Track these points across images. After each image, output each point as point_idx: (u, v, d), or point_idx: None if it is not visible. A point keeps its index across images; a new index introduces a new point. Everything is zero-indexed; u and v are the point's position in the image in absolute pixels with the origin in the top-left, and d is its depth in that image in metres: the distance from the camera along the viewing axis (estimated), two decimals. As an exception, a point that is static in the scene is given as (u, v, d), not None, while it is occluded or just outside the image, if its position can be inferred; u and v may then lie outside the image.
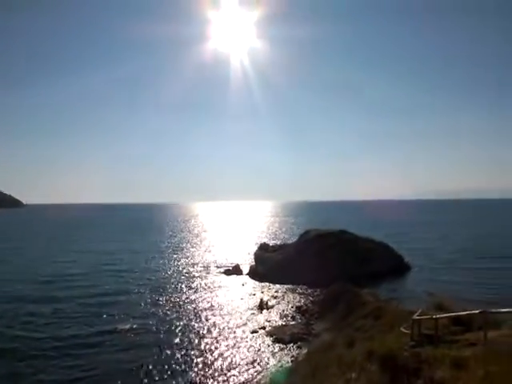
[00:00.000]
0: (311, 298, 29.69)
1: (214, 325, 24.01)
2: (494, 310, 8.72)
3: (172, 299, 30.11)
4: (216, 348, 20.15)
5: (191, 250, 60.52)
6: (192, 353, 19.36)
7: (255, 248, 48.64)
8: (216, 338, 21.74)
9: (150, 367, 17.53)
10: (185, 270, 42.35)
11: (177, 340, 21.28)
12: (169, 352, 19.45)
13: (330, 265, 33.34)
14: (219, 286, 35.03)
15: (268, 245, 48.67)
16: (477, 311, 9.35)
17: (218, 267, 44.68)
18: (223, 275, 40.60)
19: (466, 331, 11.68)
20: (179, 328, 23.32)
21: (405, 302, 23.97)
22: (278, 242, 56.52)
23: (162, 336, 21.97)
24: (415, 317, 11.86)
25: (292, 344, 20.32)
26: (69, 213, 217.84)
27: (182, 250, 60.29)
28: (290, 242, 50.20)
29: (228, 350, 19.93)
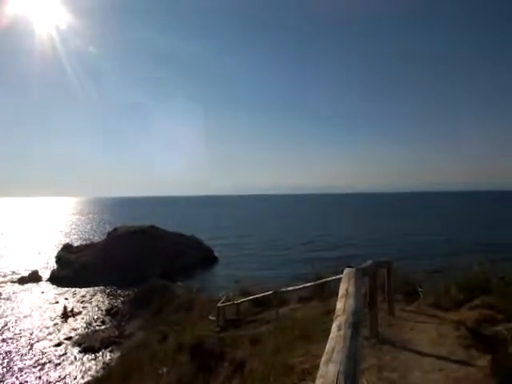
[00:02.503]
0: (122, 299, 28.68)
1: (7, 346, 20.25)
2: (283, 290, 10.19)
3: None
4: (11, 374, 17.08)
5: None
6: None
7: (57, 250, 43.91)
8: (9, 363, 18.31)
9: None
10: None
11: None
12: None
13: (141, 262, 32.84)
14: (10, 299, 29.80)
15: (72, 245, 44.68)
16: (270, 292, 10.73)
17: (8, 276, 38.06)
18: (17, 284, 34.77)
19: (264, 310, 13.27)
20: None
21: (215, 291, 25.46)
22: (84, 242, 52.16)
23: None
24: (219, 304, 12.83)
25: (103, 350, 19.28)
26: None
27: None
28: (97, 240, 47.09)
29: (25, 373, 17.18)
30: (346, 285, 2.34)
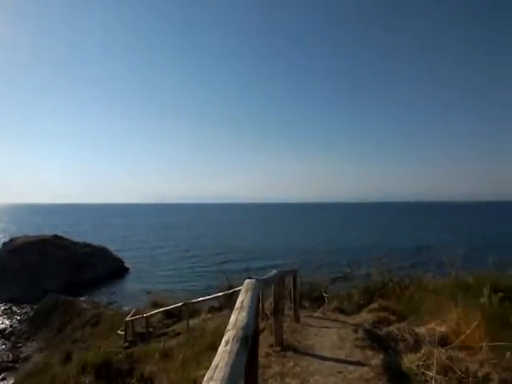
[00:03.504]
0: (19, 317, 25.89)
1: None
2: (193, 300, 10.05)
3: None
4: None
5: None
6: None
7: None
8: None
9: None
10: None
11: None
12: None
13: (41, 276, 30.13)
14: None
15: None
16: (181, 303, 10.51)
17: None
18: None
19: (175, 322, 12.95)
20: None
21: (125, 304, 24.27)
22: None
23: None
24: (128, 318, 12.24)
25: (-6, 378, 17.19)
26: None
27: None
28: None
29: None
30: (242, 297, 2.33)
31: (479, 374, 3.58)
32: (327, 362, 4.52)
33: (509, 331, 4.67)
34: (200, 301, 9.85)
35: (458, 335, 4.59)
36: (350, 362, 4.46)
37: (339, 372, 4.19)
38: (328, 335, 5.65)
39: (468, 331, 4.52)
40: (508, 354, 3.98)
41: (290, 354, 4.80)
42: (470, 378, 3.56)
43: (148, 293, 24.47)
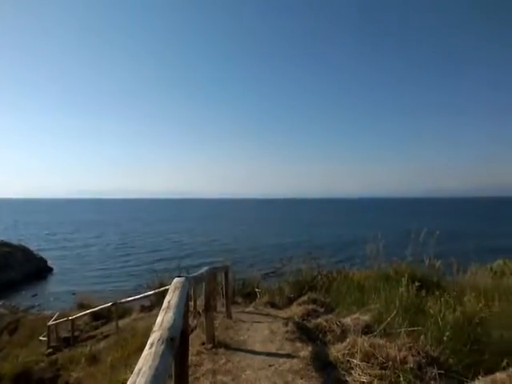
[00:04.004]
0: None
1: None
2: (123, 300, 9.68)
3: None
4: None
5: None
6: None
7: None
8: None
9: None
10: None
11: None
12: None
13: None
14: None
15: None
16: (110, 304, 10.08)
17: None
18: None
19: (104, 324, 12.41)
20: None
21: (48, 307, 22.77)
22: None
23: None
24: (51, 322, 11.51)
25: None
26: None
27: None
28: None
29: None
30: (169, 296, 2.28)
31: (397, 358, 3.84)
32: (258, 357, 4.58)
33: (424, 317, 5.07)
34: (130, 300, 9.53)
35: (379, 323, 4.89)
36: (281, 355, 4.56)
37: (270, 365, 4.27)
38: (260, 330, 5.73)
39: (388, 319, 4.83)
40: (422, 337, 4.33)
41: (221, 350, 4.81)
42: (390, 362, 3.80)
43: (74, 294, 23.20)
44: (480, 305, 5.12)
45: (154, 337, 1.65)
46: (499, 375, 2.98)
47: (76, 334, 11.46)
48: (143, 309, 11.56)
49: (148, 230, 75.03)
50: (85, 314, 11.64)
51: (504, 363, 3.63)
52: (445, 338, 4.37)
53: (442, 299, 5.27)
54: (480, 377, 3.24)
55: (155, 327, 1.78)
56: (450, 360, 4.14)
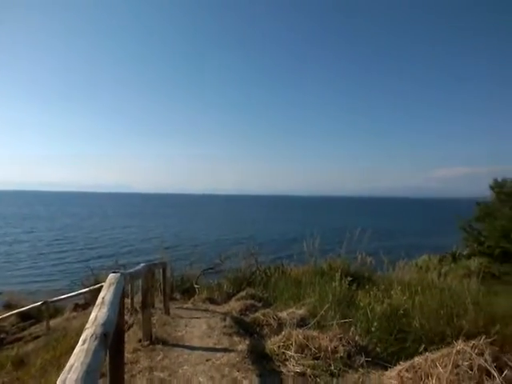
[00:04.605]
0: None
1: None
2: (55, 299, 9.22)
3: None
4: None
5: None
6: None
7: None
8: None
9: None
10: None
11: None
12: None
13: None
14: None
15: None
16: (40, 302, 9.57)
17: None
18: None
19: (34, 324, 11.72)
20: None
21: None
22: None
23: None
24: (-29, 324, 10.71)
25: None
26: None
27: None
28: None
29: None
30: (104, 292, 2.25)
31: (329, 348, 4.06)
32: (196, 352, 4.61)
33: (354, 309, 5.40)
34: (63, 299, 9.10)
35: (314, 316, 5.13)
36: (218, 350, 4.63)
37: (207, 360, 4.32)
38: (198, 325, 5.76)
39: (322, 312, 5.08)
40: (352, 328, 4.61)
41: (159, 347, 4.77)
42: (322, 353, 4.02)
43: (0, 294, 21.66)
44: (404, 297, 5.55)
45: (86, 333, 1.64)
46: (417, 359, 3.26)
47: (1, 336, 10.74)
48: (77, 307, 11.07)
49: (85, 225, 71.66)
50: (11, 315, 10.93)
51: (421, 348, 3.98)
52: (373, 329, 4.69)
53: (372, 293, 5.65)
54: (401, 362, 3.52)
55: (88, 324, 1.76)
56: (377, 348, 4.46)
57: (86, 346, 1.50)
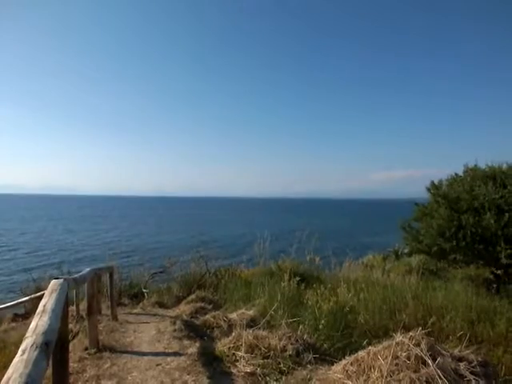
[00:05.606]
0: None
1: None
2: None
3: None
4: None
5: None
6: None
7: None
8: None
9: None
10: None
11: None
12: None
13: None
14: None
15: None
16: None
17: None
18: None
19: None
20: None
21: None
22: None
23: None
24: None
25: None
26: None
27: None
28: None
29: None
30: (45, 300, 2.16)
31: (278, 347, 4.15)
32: (146, 357, 4.53)
33: (303, 308, 5.54)
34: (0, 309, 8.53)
35: (264, 316, 5.20)
36: (168, 354, 4.58)
37: (157, 365, 4.26)
38: (147, 330, 5.65)
39: (271, 312, 5.17)
40: (301, 326, 4.74)
41: (106, 354, 4.63)
42: (272, 352, 4.10)
43: None
44: (350, 294, 5.77)
45: (26, 343, 1.57)
46: (360, 353, 3.42)
47: None
48: (16, 317, 10.40)
49: (29, 229, 67.55)
50: None
51: (364, 343, 4.17)
52: (320, 326, 4.85)
53: (319, 291, 5.82)
54: (346, 357, 3.66)
55: (28, 333, 1.69)
56: (325, 345, 4.61)
57: (25, 356, 1.45)
